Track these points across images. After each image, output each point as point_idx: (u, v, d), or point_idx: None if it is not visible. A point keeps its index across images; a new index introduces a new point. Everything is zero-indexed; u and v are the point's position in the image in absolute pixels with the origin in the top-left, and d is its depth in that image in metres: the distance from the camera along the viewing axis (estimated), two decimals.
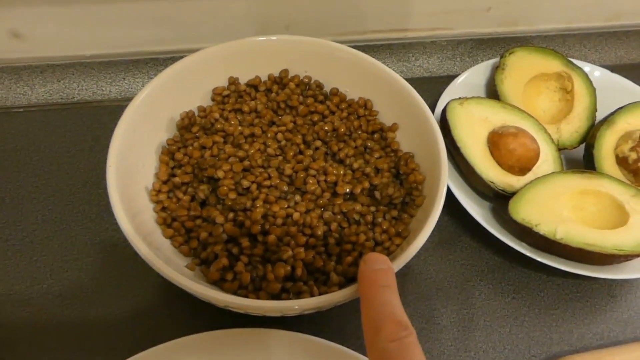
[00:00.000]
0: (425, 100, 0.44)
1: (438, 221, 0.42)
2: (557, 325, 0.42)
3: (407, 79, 0.56)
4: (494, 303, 0.43)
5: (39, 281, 0.41)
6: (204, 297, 0.32)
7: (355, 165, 0.43)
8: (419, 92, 0.49)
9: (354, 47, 0.56)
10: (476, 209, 0.43)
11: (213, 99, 0.46)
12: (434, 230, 0.42)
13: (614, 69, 0.59)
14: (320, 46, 0.46)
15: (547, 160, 0.46)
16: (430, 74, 0.57)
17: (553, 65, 0.50)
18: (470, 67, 0.53)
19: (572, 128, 0.49)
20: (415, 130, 0.43)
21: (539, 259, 0.40)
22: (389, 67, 0.55)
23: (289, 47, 0.47)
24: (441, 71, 0.57)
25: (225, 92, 0.46)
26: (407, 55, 0.57)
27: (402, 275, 0.43)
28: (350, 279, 0.37)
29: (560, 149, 0.49)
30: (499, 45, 0.59)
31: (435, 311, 0.42)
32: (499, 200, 0.44)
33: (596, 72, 0.54)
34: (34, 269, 0.42)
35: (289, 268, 0.36)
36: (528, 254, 0.40)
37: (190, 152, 0.42)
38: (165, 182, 0.41)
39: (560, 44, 0.60)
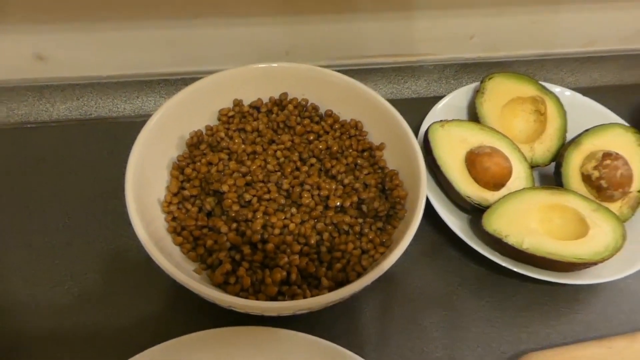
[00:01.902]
0: (413, 120, 0.49)
1: (421, 233, 0.47)
2: (526, 326, 0.46)
3: (397, 100, 0.61)
4: (471, 306, 0.47)
5: (61, 283, 0.46)
6: (211, 299, 0.37)
7: (346, 181, 0.48)
8: (407, 112, 0.55)
9: (348, 70, 0.61)
10: (455, 222, 0.48)
11: (219, 119, 0.51)
12: (417, 241, 0.47)
13: (588, 91, 0.64)
14: (316, 72, 0.51)
15: (519, 177, 0.51)
16: (418, 95, 0.62)
17: (528, 89, 0.55)
18: (455, 89, 0.58)
19: (544, 147, 0.54)
20: (399, 149, 0.48)
21: (508, 266, 0.45)
22: (381, 89, 0.61)
23: (288, 73, 0.52)
24: (428, 93, 0.62)
25: (230, 113, 0.51)
26: (397, 78, 0.62)
27: (389, 281, 0.48)
28: (339, 283, 0.42)
29: (534, 166, 0.54)
30: (482, 69, 0.64)
31: (418, 313, 0.47)
32: (476, 213, 0.49)
33: (568, 95, 0.58)
34: (55, 271, 0.46)
35: (284, 273, 0.41)
36: (499, 262, 0.45)
37: (198, 167, 0.47)
38: (175, 195, 0.46)
39: (539, 67, 0.65)
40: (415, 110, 0.56)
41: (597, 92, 0.65)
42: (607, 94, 0.65)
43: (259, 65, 0.51)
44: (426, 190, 0.43)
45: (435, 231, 0.51)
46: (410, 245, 0.49)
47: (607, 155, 0.49)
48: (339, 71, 0.61)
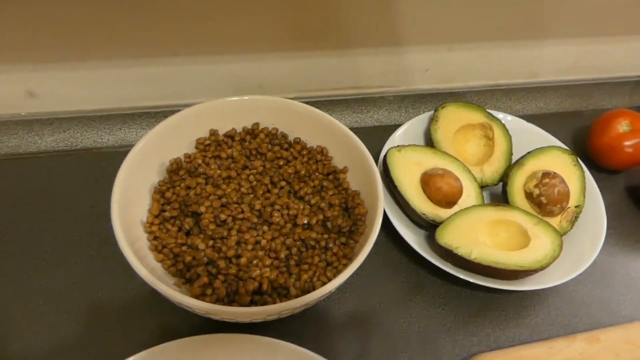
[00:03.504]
0: (375, 145, 0.55)
1: (383, 247, 0.53)
2: (478, 330, 0.51)
3: (361, 128, 0.67)
4: (427, 313, 0.52)
5: (50, 300, 0.49)
6: (190, 307, 0.41)
7: (313, 201, 0.53)
8: (370, 139, 0.60)
9: (317, 101, 0.67)
10: (412, 237, 0.53)
11: (197, 147, 0.56)
12: (380, 255, 0.53)
13: (534, 117, 0.71)
14: (285, 104, 0.57)
15: (470, 195, 0.56)
16: (380, 123, 0.68)
17: (477, 117, 0.62)
18: (414, 117, 0.64)
19: (493, 168, 0.60)
20: (360, 172, 0.53)
21: (458, 275, 0.50)
22: (346, 118, 0.66)
23: (259, 105, 0.57)
24: (389, 121, 0.68)
25: (207, 142, 0.56)
26: (361, 108, 0.68)
27: (352, 292, 0.52)
28: (306, 292, 0.46)
29: (484, 186, 0.59)
30: (438, 99, 0.70)
31: (381, 320, 0.51)
32: (431, 229, 0.54)
33: (515, 121, 0.65)
34: (45, 290, 0.50)
35: (256, 284, 0.46)
36: (450, 271, 0.50)
37: (178, 191, 0.51)
38: (156, 216, 0.50)
39: (490, 96, 0.72)
40: (377, 136, 0.62)
41: (542, 118, 0.72)
42: (550, 120, 0.72)
43: (233, 98, 0.56)
44: (383, 208, 0.48)
45: (396, 246, 0.56)
46: (373, 258, 0.55)
47: (546, 174, 0.55)
48: (307, 102, 0.67)
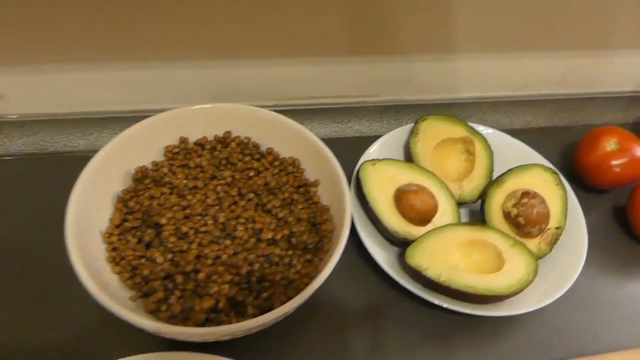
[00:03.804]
0: (354, 157, 0.55)
1: (353, 263, 0.52)
2: (448, 355, 0.49)
3: (340, 139, 0.65)
4: (397, 336, 0.50)
5: (21, 305, 0.48)
6: (135, 324, 0.39)
7: (280, 215, 0.51)
8: (349, 150, 0.59)
9: (295, 110, 0.66)
10: (383, 255, 0.51)
11: (165, 155, 0.54)
12: (349, 272, 0.52)
13: (522, 132, 0.69)
14: (257, 113, 0.55)
15: (446, 213, 0.54)
16: (360, 134, 0.66)
17: (458, 131, 0.59)
18: (396, 128, 0.62)
19: (472, 185, 0.58)
20: (331, 186, 0.51)
21: (426, 297, 0.48)
22: (325, 128, 0.65)
23: (232, 113, 0.56)
24: (370, 132, 0.66)
25: (176, 150, 0.54)
26: (340, 117, 0.66)
27: (320, 310, 0.50)
28: (265, 311, 0.44)
29: (463, 203, 0.57)
30: (422, 110, 0.68)
31: (347, 342, 0.49)
32: (404, 247, 0.52)
33: (499, 135, 0.62)
34: (16, 293, 0.49)
35: (213, 301, 0.44)
36: (418, 293, 0.48)
37: (141, 201, 0.50)
38: (118, 226, 0.49)
39: (476, 109, 0.70)
40: (357, 147, 0.60)
41: (529, 133, 0.69)
42: (539, 135, 0.70)
43: (204, 106, 0.54)
44: (350, 226, 0.46)
45: (367, 264, 0.54)
46: (343, 275, 0.53)
47: (525, 194, 0.53)
48: (286, 111, 0.65)
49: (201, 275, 0.45)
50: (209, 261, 0.46)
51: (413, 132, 0.60)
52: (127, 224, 0.49)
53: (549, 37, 0.66)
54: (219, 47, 0.59)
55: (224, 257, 0.46)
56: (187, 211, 0.49)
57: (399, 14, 0.59)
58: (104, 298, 0.39)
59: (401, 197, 0.52)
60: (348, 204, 0.48)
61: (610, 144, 0.61)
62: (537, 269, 0.49)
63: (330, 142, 0.64)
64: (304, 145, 0.54)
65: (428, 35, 0.62)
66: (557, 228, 0.54)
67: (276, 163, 0.55)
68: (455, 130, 0.60)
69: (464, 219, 0.59)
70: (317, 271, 0.47)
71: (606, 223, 0.62)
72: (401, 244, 0.53)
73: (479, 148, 0.59)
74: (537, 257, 0.53)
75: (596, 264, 0.58)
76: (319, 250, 0.49)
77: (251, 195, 0.52)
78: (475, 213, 0.59)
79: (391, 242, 0.54)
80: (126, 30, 0.56)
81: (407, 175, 0.55)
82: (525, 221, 0.52)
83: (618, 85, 0.75)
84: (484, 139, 0.60)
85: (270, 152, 0.56)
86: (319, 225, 0.50)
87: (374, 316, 0.51)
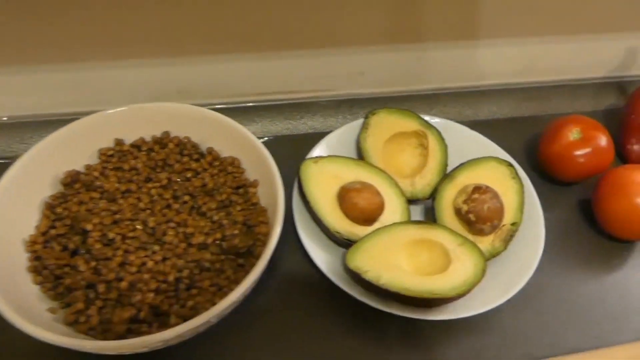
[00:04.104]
0: (307, 155, 0.53)
1: (298, 268, 0.50)
2: None
3: (293, 136, 0.63)
4: (341, 343, 0.47)
5: None
6: (38, 337, 0.37)
7: (215, 218, 0.48)
8: (303, 147, 0.56)
9: (243, 108, 0.63)
10: (325, 257, 0.49)
11: (99, 158, 0.52)
12: (293, 276, 0.50)
13: (487, 124, 0.66)
14: (196, 111, 0.53)
15: (395, 212, 0.52)
16: (314, 130, 0.63)
17: (410, 124, 0.57)
18: (352, 124, 0.59)
19: (425, 181, 0.55)
20: (269, 186, 0.49)
21: (365, 301, 0.45)
22: (277, 125, 0.62)
23: (170, 113, 0.53)
24: (324, 128, 0.63)
25: (110, 152, 0.52)
26: (293, 114, 0.63)
27: (259, 318, 0.48)
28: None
29: (415, 200, 0.55)
30: (378, 104, 0.65)
31: (288, 351, 0.46)
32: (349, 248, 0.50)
33: (456, 129, 0.59)
34: None
35: (134, 311, 0.41)
36: (357, 296, 0.46)
37: (70, 206, 0.48)
38: (44, 234, 0.47)
39: (436, 101, 0.67)
40: (310, 145, 0.57)
41: (494, 124, 0.66)
42: (504, 126, 0.67)
43: (139, 105, 0.52)
44: (280, 228, 0.44)
45: (313, 267, 0.51)
46: (288, 279, 0.50)
47: (476, 189, 0.50)
48: (234, 108, 0.63)
49: (123, 284, 0.43)
50: (134, 268, 0.44)
51: (363, 127, 0.57)
52: (53, 231, 0.46)
53: (511, 22, 0.63)
54: (159, 44, 0.56)
55: (150, 263, 0.44)
56: (117, 216, 0.47)
57: (347, 3, 0.56)
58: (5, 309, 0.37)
59: (344, 196, 0.50)
60: (281, 205, 0.45)
61: (573, 134, 0.58)
62: (486, 269, 0.46)
63: (282, 139, 0.62)
64: (243, 145, 0.51)
65: (379, 25, 0.59)
66: (512, 224, 0.51)
67: (216, 163, 0.53)
68: (407, 123, 0.57)
69: (419, 217, 0.56)
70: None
71: (571, 217, 0.59)
72: (347, 246, 0.50)
73: (432, 142, 0.56)
74: (491, 256, 0.50)
75: (559, 260, 0.55)
76: (251, 254, 0.46)
77: (186, 198, 0.50)
78: (430, 211, 0.56)
79: (338, 244, 0.52)
80: (64, 29, 0.54)
81: (352, 173, 0.52)
82: (476, 218, 0.49)
83: (587, 72, 0.71)
84: (437, 132, 0.57)
85: (210, 152, 0.53)
86: (253, 227, 0.47)
87: (318, 322, 0.48)
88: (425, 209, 0.56)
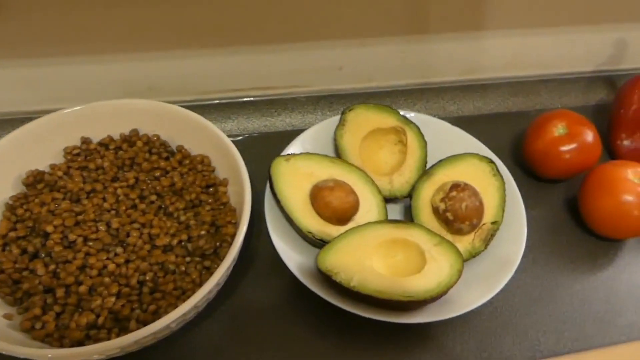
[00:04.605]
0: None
1: (273, 267, 0.48)
2: None
3: (270, 133, 0.61)
4: (314, 348, 0.45)
5: None
6: None
7: (182, 218, 0.47)
8: (281, 145, 0.54)
9: (218, 105, 0.61)
10: (298, 258, 0.47)
11: (64, 157, 0.50)
12: (269, 276, 0.49)
13: (470, 120, 0.64)
14: (165, 108, 0.51)
15: (370, 211, 0.50)
16: (293, 127, 0.61)
17: (388, 120, 0.55)
18: (329, 120, 0.57)
19: (403, 179, 0.53)
20: (239, 185, 0.47)
21: (337, 304, 0.43)
22: (254, 122, 0.60)
23: (139, 110, 0.52)
24: (303, 124, 0.61)
25: (76, 151, 0.50)
26: (270, 111, 0.61)
27: (231, 320, 0.46)
28: None
29: (393, 198, 0.53)
30: (359, 100, 0.63)
31: (260, 355, 0.45)
32: None
33: (437, 124, 0.57)
34: None
35: (92, 317, 0.40)
36: (329, 299, 0.44)
37: (31, 207, 0.46)
38: (4, 236, 0.45)
39: (419, 96, 0.65)
40: (289, 143, 0.55)
41: (480, 120, 0.64)
42: (491, 122, 0.65)
43: (105, 102, 0.51)
44: (245, 229, 0.42)
45: (286, 268, 0.49)
46: (256, 283, 0.49)
47: (454, 186, 0.49)
48: (208, 105, 0.61)
49: (82, 288, 0.41)
50: (94, 272, 0.42)
51: (340, 123, 0.55)
52: (13, 234, 0.45)
53: (496, 14, 0.61)
54: (128, 39, 0.55)
55: (111, 266, 0.42)
56: (80, 217, 0.45)
57: None
58: None
59: (316, 195, 0.48)
60: (247, 205, 0.43)
61: (558, 129, 0.56)
62: (462, 270, 0.44)
63: (259, 137, 0.61)
64: (213, 143, 0.50)
65: (357, 18, 0.57)
66: (493, 223, 0.49)
67: (186, 162, 0.51)
68: (385, 119, 0.55)
69: (398, 216, 0.54)
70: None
71: (557, 216, 0.57)
72: (321, 246, 0.48)
73: (411, 138, 0.54)
74: (471, 256, 0.48)
75: (543, 260, 0.53)
76: (217, 256, 0.44)
77: (153, 198, 0.48)
78: (409, 209, 0.54)
79: (312, 244, 0.50)
80: (27, 24, 0.52)
81: (326, 171, 0.50)
82: (453, 216, 0.48)
83: (576, 66, 0.69)
84: (416, 128, 0.55)
85: (180, 150, 0.52)
86: (220, 228, 0.46)
87: (290, 326, 0.47)
88: (405, 208, 0.54)
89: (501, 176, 0.52)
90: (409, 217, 0.52)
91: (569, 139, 0.55)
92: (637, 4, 0.62)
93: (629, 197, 0.50)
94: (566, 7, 0.62)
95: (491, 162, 0.52)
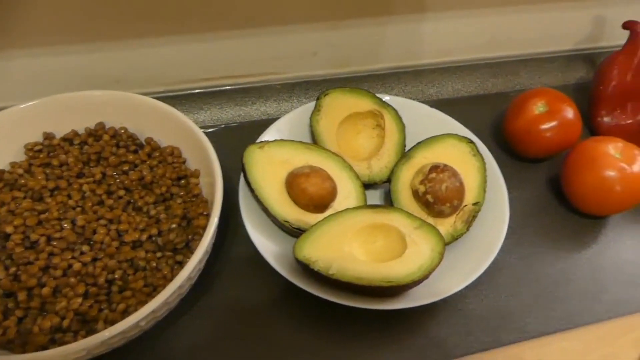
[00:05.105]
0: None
1: (246, 259, 0.47)
2: (355, 356, 0.43)
3: (245, 122, 0.59)
4: (295, 339, 0.44)
5: None
6: None
7: (153, 212, 0.45)
8: (256, 134, 0.52)
9: (189, 95, 0.59)
10: (275, 248, 0.45)
11: (26, 154, 0.48)
12: (240, 268, 0.47)
13: (450, 102, 0.63)
14: (131, 99, 0.49)
15: (349, 196, 0.48)
16: (268, 116, 0.59)
17: (365, 104, 0.53)
18: (305, 106, 0.56)
19: (382, 164, 0.51)
20: (210, 176, 0.45)
21: (315, 293, 0.42)
22: (228, 112, 0.58)
23: (103, 102, 0.49)
24: (279, 112, 0.59)
25: (38, 147, 0.48)
26: (244, 100, 0.60)
27: (209, 316, 0.44)
28: None
29: (373, 184, 0.51)
30: (335, 85, 0.61)
31: (238, 348, 0.43)
32: None
33: (415, 107, 0.56)
34: None
35: (57, 319, 0.38)
36: (308, 289, 0.42)
37: None
38: None
39: (396, 80, 0.63)
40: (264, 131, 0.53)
41: (460, 102, 0.63)
42: (471, 103, 0.64)
43: (68, 94, 0.48)
44: (216, 220, 0.40)
45: (263, 259, 0.48)
46: (233, 275, 0.47)
47: (433, 168, 0.47)
48: (178, 96, 0.59)
49: (45, 290, 0.39)
50: (59, 272, 0.40)
51: (315, 109, 0.53)
52: None
53: None
54: (90, 28, 0.52)
55: (77, 265, 0.40)
56: (43, 216, 0.43)
57: None
58: None
59: (292, 182, 0.46)
60: (219, 195, 0.42)
61: (538, 107, 0.55)
62: (444, 252, 0.42)
63: (234, 127, 0.59)
64: (182, 133, 0.48)
65: (327, 1, 0.55)
66: (474, 204, 0.48)
67: (155, 154, 0.49)
68: (361, 103, 0.53)
69: (378, 201, 0.52)
70: None
71: (540, 195, 0.56)
72: (298, 235, 0.47)
73: (388, 121, 0.53)
74: (453, 238, 0.47)
75: (527, 240, 0.52)
76: (190, 250, 0.42)
77: (121, 193, 0.46)
78: (389, 194, 0.52)
79: (290, 234, 0.48)
80: None
81: (302, 157, 0.48)
82: (434, 199, 0.46)
83: (555, 45, 0.68)
84: (394, 111, 0.53)
85: (149, 142, 0.50)
86: (193, 220, 0.44)
87: (268, 318, 0.45)
88: (385, 193, 0.53)
89: (481, 156, 0.50)
90: (389, 202, 0.51)
91: (550, 117, 0.54)
92: None
93: (610, 172, 0.49)
94: None
95: (471, 142, 0.50)
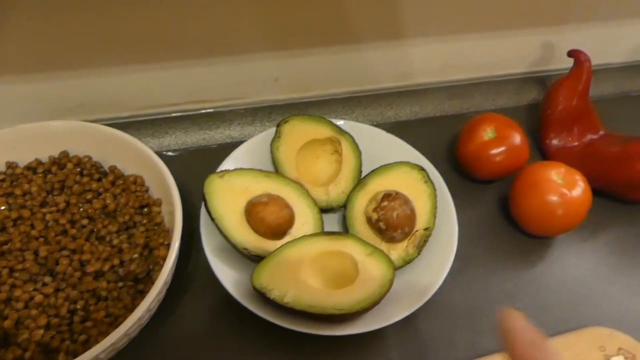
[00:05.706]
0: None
1: (207, 288, 0.48)
2: None
3: (209, 146, 0.60)
4: None
5: None
6: None
7: (115, 241, 0.46)
8: (220, 158, 0.54)
9: (154, 120, 0.60)
10: (235, 276, 0.47)
11: None
12: (202, 296, 0.48)
13: (407, 124, 0.65)
14: (93, 128, 0.50)
15: (307, 223, 0.50)
16: (232, 139, 0.61)
17: (323, 131, 0.55)
18: (266, 132, 0.57)
19: (339, 189, 0.54)
20: (171, 205, 0.46)
21: (272, 320, 0.44)
22: (192, 136, 0.60)
23: (66, 131, 0.50)
24: (242, 136, 0.61)
25: (1, 177, 0.49)
26: (208, 124, 0.61)
27: (168, 341, 0.46)
28: None
29: (330, 209, 0.53)
30: (297, 110, 0.64)
31: None
32: None
33: (374, 133, 0.58)
34: None
35: (19, 352, 0.39)
36: (265, 317, 0.44)
37: None
38: None
39: (356, 104, 0.66)
40: (228, 155, 0.55)
41: (418, 124, 0.66)
42: (428, 125, 0.66)
43: (31, 125, 0.49)
44: (176, 251, 0.42)
45: (223, 288, 0.49)
46: (195, 304, 0.48)
47: (386, 196, 0.50)
48: (145, 121, 0.61)
49: (7, 323, 0.40)
50: (20, 304, 0.41)
51: (276, 136, 0.55)
52: None
53: (427, 21, 0.62)
54: (54, 55, 0.53)
55: (38, 297, 0.41)
56: (5, 247, 0.44)
57: (251, 5, 0.54)
58: None
59: (250, 211, 0.48)
60: (178, 226, 0.43)
61: (487, 133, 0.58)
62: (393, 279, 0.45)
63: (198, 151, 0.60)
64: (144, 162, 0.49)
65: (291, 28, 0.57)
66: (425, 229, 0.51)
67: (119, 182, 0.50)
68: (320, 130, 0.55)
69: (336, 226, 0.55)
70: None
71: (491, 215, 0.59)
72: (258, 262, 0.49)
73: (345, 148, 0.55)
74: (405, 262, 0.50)
75: (477, 261, 0.55)
76: (151, 279, 0.44)
77: (85, 222, 0.47)
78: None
79: (251, 260, 0.50)
80: None
81: (261, 185, 0.50)
82: (386, 225, 0.49)
83: (508, 68, 0.71)
84: (351, 138, 0.55)
85: (113, 170, 0.51)
86: (154, 250, 0.45)
87: (228, 346, 0.47)
88: (342, 217, 0.55)
89: (432, 183, 0.53)
90: (345, 227, 0.53)
91: (498, 142, 0.57)
92: (557, 9, 0.64)
93: (552, 197, 0.52)
94: (493, 12, 0.63)
95: (422, 169, 0.53)
